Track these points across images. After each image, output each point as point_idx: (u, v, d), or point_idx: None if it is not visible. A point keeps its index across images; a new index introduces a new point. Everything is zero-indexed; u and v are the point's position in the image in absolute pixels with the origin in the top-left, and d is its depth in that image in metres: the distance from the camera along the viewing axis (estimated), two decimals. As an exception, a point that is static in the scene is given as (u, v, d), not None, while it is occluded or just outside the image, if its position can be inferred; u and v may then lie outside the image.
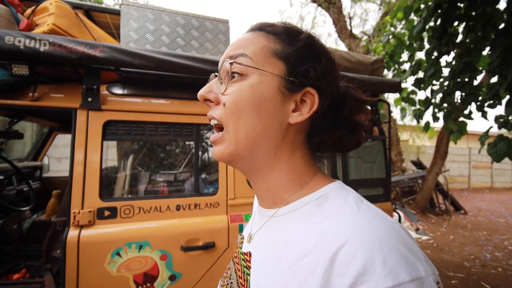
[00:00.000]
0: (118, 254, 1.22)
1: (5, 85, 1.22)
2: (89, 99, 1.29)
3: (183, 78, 1.42)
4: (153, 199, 1.36)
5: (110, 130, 1.36)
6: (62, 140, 5.61)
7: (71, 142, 1.26)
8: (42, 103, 1.28)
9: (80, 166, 1.26)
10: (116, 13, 1.72)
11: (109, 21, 1.77)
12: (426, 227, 5.47)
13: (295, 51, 0.39)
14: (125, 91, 1.43)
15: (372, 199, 1.78)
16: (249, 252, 0.44)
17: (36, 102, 1.27)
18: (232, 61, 0.38)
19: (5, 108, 1.48)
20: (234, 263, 0.49)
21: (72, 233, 1.19)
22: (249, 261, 0.43)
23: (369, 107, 1.98)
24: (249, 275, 0.42)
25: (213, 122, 0.41)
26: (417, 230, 5.07)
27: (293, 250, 0.35)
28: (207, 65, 1.37)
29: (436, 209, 6.67)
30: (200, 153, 1.52)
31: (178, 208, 1.39)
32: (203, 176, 1.64)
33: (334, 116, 0.42)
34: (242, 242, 0.50)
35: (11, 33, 1.11)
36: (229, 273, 0.49)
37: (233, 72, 0.39)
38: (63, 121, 2.28)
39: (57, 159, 5.77)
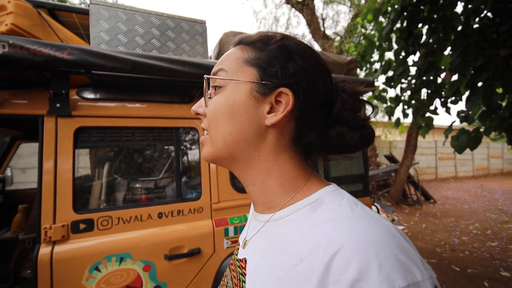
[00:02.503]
0: (97, 269, 1.15)
1: (-42, 92, 1.10)
2: (58, 105, 1.21)
3: (160, 80, 1.38)
4: (132, 208, 1.30)
5: (82, 137, 1.28)
6: (26, 149, 5.18)
7: (38, 151, 1.17)
8: (2, 111, 1.17)
9: (50, 176, 1.17)
10: (84, 12, 1.62)
11: (77, 21, 1.66)
12: (400, 218, 5.79)
13: (266, 55, 0.40)
14: (97, 95, 1.35)
15: (353, 194, 1.82)
16: (245, 258, 0.44)
17: (-4, 110, 1.16)
18: (207, 77, 0.42)
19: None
20: (230, 270, 0.48)
21: (44, 250, 1.10)
22: (245, 268, 0.42)
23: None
24: (244, 282, 0.41)
25: (205, 133, 0.44)
26: (392, 221, 5.33)
27: (288, 256, 0.35)
28: (184, 67, 1.33)
29: (409, 200, 7.08)
30: (180, 157, 1.48)
31: (160, 215, 1.33)
32: (185, 181, 1.59)
33: (325, 114, 0.41)
34: (238, 249, 0.49)
35: (-37, 34, 1.00)
36: (225, 280, 0.48)
37: (214, 86, 0.42)
38: (27, 129, 2.10)
39: (21, 170, 5.32)
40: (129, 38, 1.42)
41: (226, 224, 1.45)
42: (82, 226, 1.18)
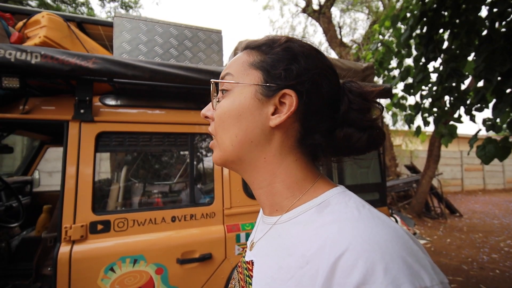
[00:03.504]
0: (111, 269, 1.18)
1: (-5, 99, 1.20)
2: (82, 111, 1.28)
3: (176, 88, 1.43)
4: (147, 211, 1.33)
5: (103, 141, 1.34)
6: (53, 154, 5.50)
7: (63, 154, 1.24)
8: (33, 116, 1.26)
9: (72, 179, 1.23)
10: (109, 25, 1.73)
11: (102, 33, 1.77)
12: (423, 231, 5.49)
13: (270, 57, 0.41)
14: (118, 102, 1.42)
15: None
16: (252, 260, 0.44)
17: (27, 115, 1.25)
18: (214, 81, 0.43)
19: (-6, 121, 1.45)
20: (238, 273, 0.48)
21: (64, 249, 1.15)
22: (251, 270, 0.42)
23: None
24: (251, 284, 0.41)
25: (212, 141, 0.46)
26: (414, 234, 5.07)
27: (294, 258, 0.35)
28: (200, 75, 1.37)
29: (432, 212, 6.70)
30: (195, 162, 1.51)
31: (173, 219, 1.36)
32: (198, 186, 1.62)
33: (331, 115, 0.41)
34: (246, 251, 0.49)
35: (1, 46, 1.10)
36: (233, 283, 0.48)
37: (221, 90, 0.43)
38: (54, 134, 2.24)
39: (48, 173, 5.64)
40: (149, 48, 1.49)
41: (237, 230, 1.44)
42: (99, 227, 1.23)
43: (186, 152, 1.59)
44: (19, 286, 1.54)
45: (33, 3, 6.77)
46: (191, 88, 1.43)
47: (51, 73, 1.18)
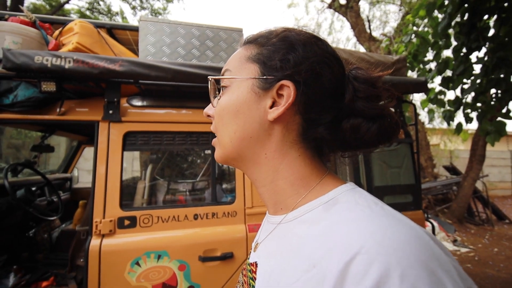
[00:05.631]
0: (137, 263, 1.23)
1: (35, 102, 1.31)
2: (110, 112, 1.35)
3: (198, 87, 1.44)
4: (171, 208, 1.36)
5: (130, 140, 1.40)
6: (92, 153, 5.94)
7: (94, 153, 1.32)
8: (68, 117, 1.35)
9: (102, 176, 1.30)
10: (136, 29, 1.81)
11: (130, 37, 1.86)
12: (465, 238, 5.01)
13: (266, 49, 0.39)
14: (144, 103, 1.47)
15: (401, 207, 1.65)
16: (255, 262, 0.42)
17: (63, 117, 1.35)
18: (211, 78, 0.43)
19: (36, 123, 1.58)
20: (242, 275, 0.46)
21: (94, 242, 1.21)
22: (255, 272, 0.40)
23: (391, 108, 1.87)
24: (254, 287, 0.39)
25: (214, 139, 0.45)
26: (454, 241, 4.65)
27: (300, 260, 0.32)
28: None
29: (476, 218, 6.10)
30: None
31: (195, 217, 1.37)
32: (220, 184, 1.62)
33: (335, 105, 0.38)
34: (250, 253, 0.47)
35: (40, 53, 1.19)
36: (238, 286, 0.46)
37: (222, 87, 0.42)
38: (90, 135, 2.40)
39: (87, 172, 6.11)
40: (172, 49, 1.53)
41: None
42: (126, 222, 1.28)
43: (209, 151, 1.61)
44: (58, 274, 1.67)
45: (75, 16, 7.41)
46: (213, 87, 1.44)
47: (83, 76, 1.26)
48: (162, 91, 1.52)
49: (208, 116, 0.45)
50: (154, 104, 1.48)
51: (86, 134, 2.36)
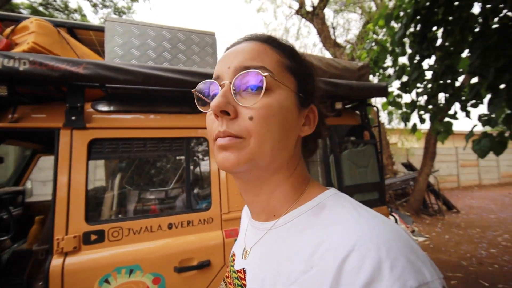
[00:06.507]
0: (106, 281, 1.14)
1: (-18, 107, 1.16)
2: (73, 118, 1.24)
3: (170, 91, 1.40)
4: (143, 218, 1.29)
5: (95, 148, 1.30)
6: (47, 162, 5.41)
7: (54, 163, 1.20)
8: (22, 124, 1.22)
9: (64, 188, 1.19)
10: (101, 30, 1.70)
11: (94, 38, 1.74)
12: (421, 228, 5.50)
13: (300, 67, 0.42)
14: (111, 108, 1.38)
15: (368, 203, 1.76)
16: (243, 269, 0.42)
17: (16, 124, 1.21)
18: (266, 73, 0.36)
19: (-18, 131, 1.40)
20: (226, 284, 0.46)
21: (56, 261, 1.11)
22: (244, 279, 0.41)
23: (358, 112, 1.99)
24: None
25: (224, 139, 0.36)
26: (413, 232, 5.08)
27: (296, 263, 0.34)
28: (195, 78, 1.35)
29: (429, 209, 6.73)
30: (191, 167, 1.47)
31: (170, 226, 1.32)
32: (195, 191, 1.58)
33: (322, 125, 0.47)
34: (234, 260, 0.48)
35: (-13, 53, 1.06)
36: None
37: (257, 85, 0.36)
38: (46, 143, 2.19)
39: (42, 183, 5.54)
40: (141, 52, 1.46)
41: (236, 235, 1.41)
42: (93, 237, 1.19)
43: (182, 157, 1.56)
44: (11, 301, 1.49)
45: (25, 12, 6.69)
46: (186, 91, 1.41)
47: (41, 79, 1.15)
48: (130, 95, 1.44)
49: (223, 112, 0.36)
50: (123, 109, 1.40)
51: (41, 142, 2.15)
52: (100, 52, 1.88)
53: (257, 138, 0.35)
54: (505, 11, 2.00)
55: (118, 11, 8.50)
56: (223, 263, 1.35)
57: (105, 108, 1.37)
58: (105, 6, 8.32)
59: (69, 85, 1.24)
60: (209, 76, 1.37)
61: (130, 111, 1.41)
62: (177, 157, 1.64)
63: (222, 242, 1.37)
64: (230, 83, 0.37)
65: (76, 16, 7.79)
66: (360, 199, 1.76)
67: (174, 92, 1.42)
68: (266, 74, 0.35)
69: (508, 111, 1.96)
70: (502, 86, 1.97)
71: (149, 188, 1.54)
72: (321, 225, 0.35)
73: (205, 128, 1.49)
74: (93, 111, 1.35)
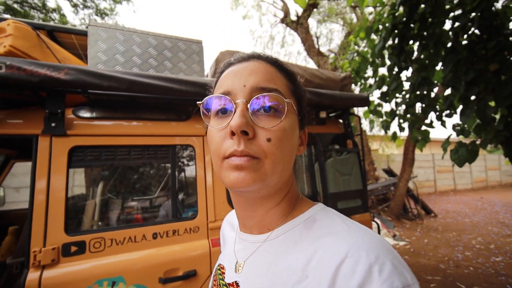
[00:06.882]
0: (87, 294, 1.10)
1: (-48, 113, 1.09)
2: (53, 124, 1.20)
3: (156, 99, 1.38)
4: (126, 228, 1.26)
5: (77, 156, 1.26)
6: (21, 168, 5.11)
7: (31, 171, 1.15)
8: (-4, 131, 1.16)
9: (42, 197, 1.14)
10: (83, 33, 1.66)
11: (75, 42, 1.69)
12: (402, 233, 5.68)
13: (299, 92, 0.45)
14: (94, 114, 1.35)
15: (352, 210, 1.81)
16: (236, 282, 0.43)
17: (-10, 130, 1.15)
18: (289, 100, 0.39)
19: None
20: None
21: (32, 275, 1.05)
22: None
23: (341, 121, 2.06)
24: None
25: (240, 158, 0.36)
26: (394, 236, 5.23)
27: (291, 273, 0.36)
28: (181, 85, 1.34)
29: (409, 214, 6.98)
30: (176, 175, 1.46)
31: (154, 236, 1.29)
32: (180, 199, 1.56)
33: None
34: (223, 273, 0.48)
35: (-40, 56, 1.01)
36: None
37: (277, 108, 0.38)
38: (21, 149, 2.08)
39: (15, 189, 5.22)
40: (126, 58, 1.44)
41: (223, 244, 1.40)
42: (73, 248, 1.14)
43: (167, 165, 1.54)
44: (-22, 320, 1.38)
45: (-2, 9, 6.38)
46: (172, 99, 1.40)
47: (18, 84, 1.10)
48: (114, 101, 1.41)
49: (243, 132, 0.36)
50: (106, 116, 1.37)
51: (15, 148, 2.04)
52: (82, 56, 1.83)
53: (272, 159, 0.37)
54: (472, 29, 2.16)
55: (100, 12, 8.27)
56: (210, 272, 1.33)
57: (87, 115, 1.33)
58: (86, 7, 8.08)
59: (49, 90, 1.20)
60: (196, 84, 1.37)
61: (114, 117, 1.38)
62: (163, 165, 1.61)
63: (209, 251, 1.35)
64: (247, 102, 0.37)
65: (55, 15, 7.49)
66: (344, 206, 1.81)
67: (160, 99, 1.41)
68: (288, 100, 0.39)
69: (479, 121, 2.10)
70: (472, 97, 2.11)
71: (134, 196, 1.50)
72: (314, 237, 0.38)
73: (191, 135, 1.49)
74: (74, 117, 1.31)
